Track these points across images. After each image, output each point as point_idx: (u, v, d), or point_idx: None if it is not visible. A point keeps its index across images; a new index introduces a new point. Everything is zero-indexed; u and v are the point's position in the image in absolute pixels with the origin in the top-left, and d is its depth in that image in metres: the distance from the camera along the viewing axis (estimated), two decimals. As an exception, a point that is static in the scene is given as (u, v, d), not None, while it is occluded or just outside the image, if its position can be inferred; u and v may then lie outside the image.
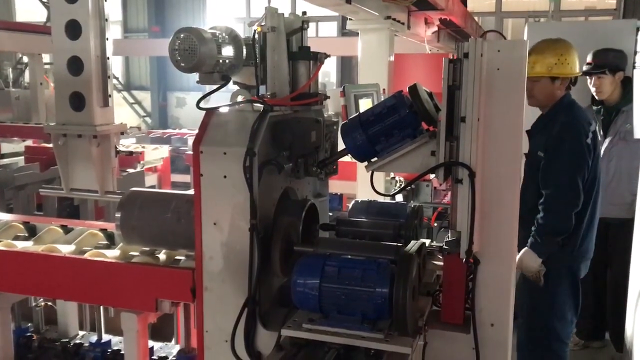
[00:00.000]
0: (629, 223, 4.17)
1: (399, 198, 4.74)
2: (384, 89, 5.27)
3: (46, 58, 9.79)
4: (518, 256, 3.52)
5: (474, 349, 2.24)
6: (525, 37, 5.33)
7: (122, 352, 3.41)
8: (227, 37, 2.48)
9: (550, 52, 3.50)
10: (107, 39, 3.43)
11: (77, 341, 3.71)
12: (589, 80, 4.58)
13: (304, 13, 2.55)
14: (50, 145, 3.61)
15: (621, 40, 4.86)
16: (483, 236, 2.21)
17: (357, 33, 5.58)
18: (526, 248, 3.50)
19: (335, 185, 5.52)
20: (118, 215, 2.69)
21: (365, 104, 4.70)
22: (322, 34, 16.16)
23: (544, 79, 3.51)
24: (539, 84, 3.53)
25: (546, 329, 3.63)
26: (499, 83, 2.15)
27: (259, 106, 2.34)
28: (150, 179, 7.46)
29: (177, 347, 3.61)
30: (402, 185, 4.84)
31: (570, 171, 3.40)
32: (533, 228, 3.49)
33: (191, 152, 2.38)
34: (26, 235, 3.44)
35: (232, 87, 2.59)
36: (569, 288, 3.61)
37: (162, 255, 2.97)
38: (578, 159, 3.41)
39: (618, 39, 4.87)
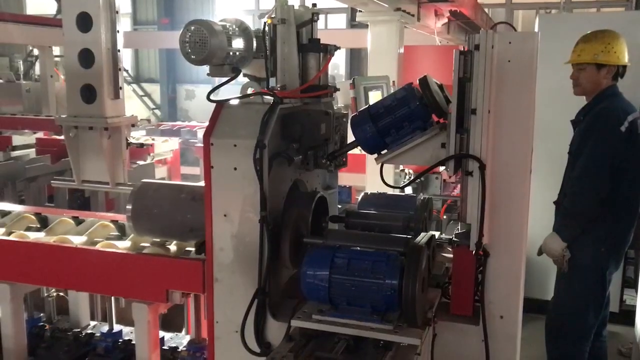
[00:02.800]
0: None
1: (408, 190, 4.74)
2: (393, 81, 5.25)
3: (56, 50, 9.81)
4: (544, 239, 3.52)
5: (483, 341, 2.25)
6: (536, 29, 5.28)
7: (133, 342, 3.44)
8: (237, 29, 2.48)
9: (597, 40, 3.48)
10: (118, 31, 3.45)
11: (89, 331, 3.74)
12: None
13: (314, 5, 2.55)
14: (61, 137, 3.65)
15: (633, 32, 4.81)
16: (493, 229, 2.21)
17: (367, 25, 5.57)
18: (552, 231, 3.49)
19: (345, 178, 5.52)
20: (129, 206, 2.71)
21: (374, 97, 4.69)
22: (331, 26, 16.09)
23: (589, 67, 3.48)
24: (584, 72, 3.51)
25: (564, 319, 3.60)
26: (510, 75, 2.14)
27: (269, 98, 2.35)
28: (160, 171, 7.48)
29: (188, 338, 3.64)
30: (412, 178, 4.83)
31: (597, 156, 3.37)
32: None
33: (201, 145, 2.40)
34: (38, 226, 3.47)
35: (242, 79, 2.60)
36: (591, 280, 3.52)
37: (172, 247, 2.99)
38: (606, 145, 3.37)
39: (630, 30, 4.81)
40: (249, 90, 2.48)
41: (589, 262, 3.47)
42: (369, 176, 5.05)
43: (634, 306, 4.95)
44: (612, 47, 3.45)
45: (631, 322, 4.90)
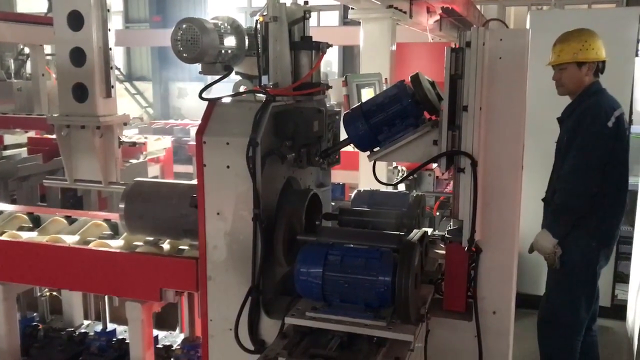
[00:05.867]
0: None
1: (401, 187, 4.75)
2: (386, 79, 5.26)
3: (47, 49, 9.75)
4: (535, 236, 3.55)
5: (476, 337, 2.26)
6: (527, 26, 5.30)
7: (127, 341, 3.43)
8: (229, 27, 2.48)
9: (574, 39, 3.54)
10: (110, 29, 3.43)
11: (82, 330, 3.73)
12: None
13: (306, 2, 2.55)
14: (53, 136, 3.63)
15: (624, 29, 4.84)
16: (485, 225, 2.22)
17: (359, 22, 5.58)
18: (542, 228, 3.51)
19: (338, 175, 5.53)
20: (122, 205, 2.70)
21: (367, 94, 4.70)
22: (323, 24, 16.08)
23: (570, 66, 3.54)
24: (566, 72, 3.56)
25: (555, 314, 3.62)
26: (502, 72, 2.15)
27: (261, 96, 2.35)
28: (153, 170, 7.46)
29: (182, 336, 3.64)
30: (404, 175, 4.85)
31: (585, 153, 3.41)
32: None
33: (193, 143, 2.39)
34: (31, 226, 3.46)
35: (234, 77, 2.60)
36: (582, 275, 3.55)
37: (166, 245, 2.99)
38: (595, 142, 3.41)
39: (621, 27, 4.85)
40: (241, 88, 2.48)
41: (579, 257, 3.50)
42: (362, 173, 5.07)
43: (626, 301, 4.99)
44: (590, 44, 3.51)
45: (623, 317, 4.94)
